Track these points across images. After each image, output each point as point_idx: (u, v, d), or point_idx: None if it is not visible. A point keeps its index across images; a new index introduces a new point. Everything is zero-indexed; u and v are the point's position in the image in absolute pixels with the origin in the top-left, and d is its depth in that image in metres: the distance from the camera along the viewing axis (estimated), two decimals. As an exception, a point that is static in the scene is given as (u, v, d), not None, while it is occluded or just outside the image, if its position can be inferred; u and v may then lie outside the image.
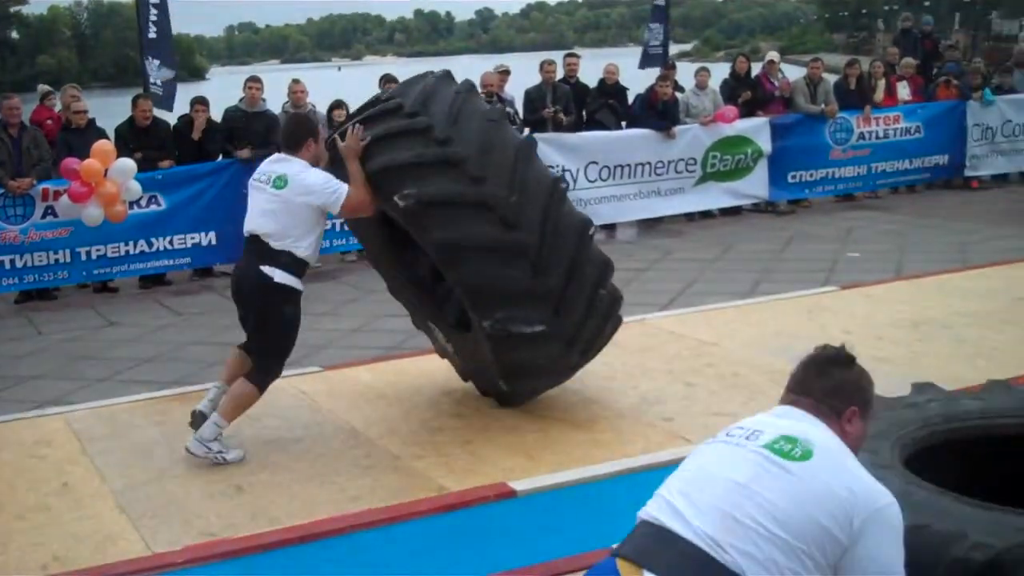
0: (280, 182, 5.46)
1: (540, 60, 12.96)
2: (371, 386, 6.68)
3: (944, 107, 14.31)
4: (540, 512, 4.80)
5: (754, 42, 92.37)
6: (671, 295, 9.28)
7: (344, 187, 5.43)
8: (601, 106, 12.79)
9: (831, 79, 14.31)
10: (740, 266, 10.42)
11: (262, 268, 5.45)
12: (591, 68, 13.87)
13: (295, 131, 5.71)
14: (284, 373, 6.90)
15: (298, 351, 7.86)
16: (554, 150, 11.94)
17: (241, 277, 5.65)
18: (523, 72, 14.36)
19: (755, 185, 13.26)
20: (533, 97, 12.46)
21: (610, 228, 12.69)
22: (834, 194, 14.00)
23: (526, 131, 12.28)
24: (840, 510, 2.46)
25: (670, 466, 5.00)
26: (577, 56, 13.53)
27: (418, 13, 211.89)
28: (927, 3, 72.78)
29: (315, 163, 5.61)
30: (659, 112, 12.62)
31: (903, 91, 14.39)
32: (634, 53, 15.91)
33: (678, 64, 13.61)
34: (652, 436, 5.57)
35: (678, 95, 13.05)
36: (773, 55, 14.66)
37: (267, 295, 5.49)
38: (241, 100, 11.10)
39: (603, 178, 12.30)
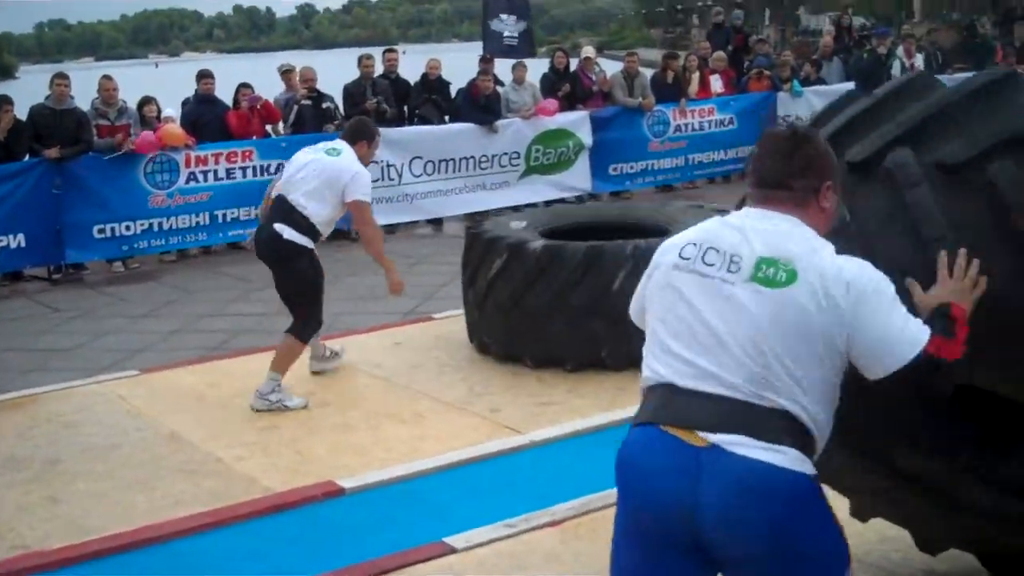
0: (334, 152, 6.15)
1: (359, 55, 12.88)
2: (193, 388, 6.49)
3: (756, 99, 14.82)
4: (369, 509, 4.74)
5: (574, 38, 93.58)
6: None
7: (368, 196, 6.11)
8: (424, 101, 12.76)
9: (648, 73, 14.65)
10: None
11: (275, 226, 6.00)
12: (418, 63, 13.78)
13: (357, 129, 6.43)
14: (100, 378, 6.71)
15: (114, 355, 7.69)
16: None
17: (258, 235, 6.24)
18: (346, 68, 14.18)
19: (578, 177, 13.46)
20: (352, 92, 12.32)
21: (436, 223, 12.68)
22: (654, 185, 14.32)
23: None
24: (835, 318, 2.43)
25: (497, 457, 5.13)
26: (396, 51, 13.47)
27: (237, 9, 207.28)
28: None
29: (363, 163, 6.24)
30: (481, 106, 12.67)
31: (716, 84, 14.85)
32: (458, 48, 16.01)
33: (497, 60, 13.65)
34: (480, 428, 5.58)
35: (499, 89, 13.12)
36: (589, 50, 14.93)
37: (277, 251, 6.03)
38: (48, 98, 10.63)
39: (428, 172, 12.27)
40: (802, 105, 14.90)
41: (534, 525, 4.34)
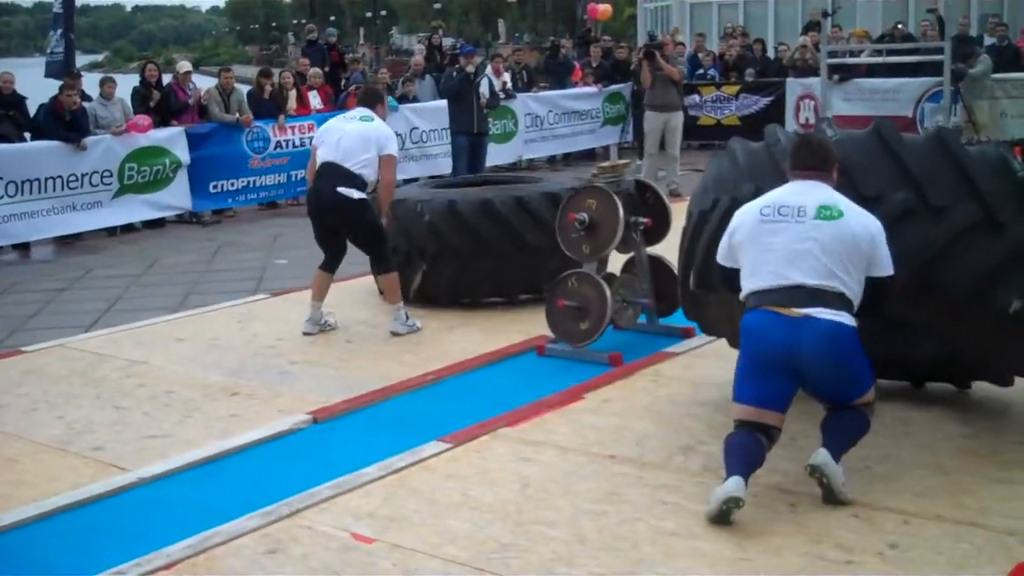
0: (368, 119, 7.32)
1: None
2: None
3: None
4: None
5: (167, 53, 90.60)
6: (95, 315, 8.76)
7: (395, 148, 7.37)
8: (1, 118, 11.79)
9: (244, 89, 14.38)
10: (168, 280, 10.10)
11: (340, 190, 7.08)
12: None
13: (373, 92, 7.97)
14: None
15: None
16: (-51, 165, 10.82)
17: (321, 197, 7.24)
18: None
19: (176, 196, 12.95)
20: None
21: (24, 247, 11.75)
22: (257, 202, 14.06)
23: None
24: (865, 240, 4.30)
25: (105, 498, 4.76)
26: None
27: None
28: (332, 18, 75.92)
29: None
30: (67, 123, 11.88)
31: (315, 100, 14.81)
32: (40, 63, 14.90)
33: (87, 75, 12.90)
34: (82, 469, 5.16)
35: (85, 105, 12.38)
36: (185, 65, 14.46)
37: (351, 210, 7.15)
38: None
39: (11, 194, 11.31)
40: (400, 121, 15.18)
41: (147, 570, 4.04)
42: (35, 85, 13.16)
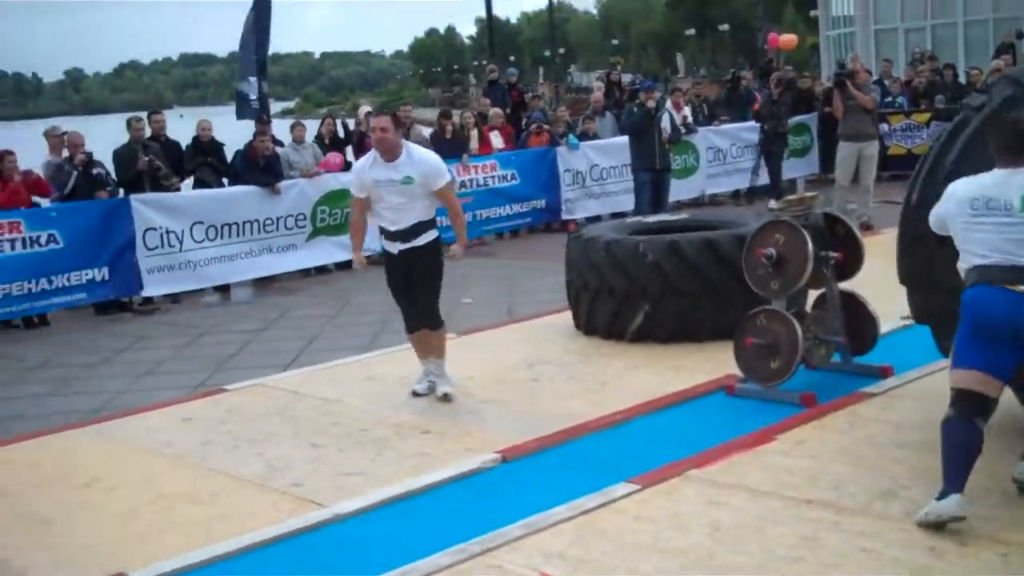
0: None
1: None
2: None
3: (536, 153, 15.07)
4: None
5: (354, 98, 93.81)
6: (292, 354, 9.07)
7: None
8: (200, 164, 12.40)
9: (426, 130, 14.75)
10: (359, 320, 10.38)
11: (423, 238, 7.00)
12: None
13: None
14: None
15: None
16: (154, 210, 11.41)
17: (405, 252, 7.03)
18: (117, 133, 13.65)
19: (366, 238, 13.27)
20: (123, 156, 11.88)
21: (224, 289, 12.28)
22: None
23: (120, 192, 11.71)
24: None
25: (303, 534, 4.91)
26: (162, 113, 13.06)
27: (1, 75, 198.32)
28: (512, 58, 77.18)
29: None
30: (261, 168, 12.39)
31: (496, 140, 15.04)
32: (232, 111, 15.61)
33: (279, 121, 13.48)
34: (281, 504, 5.33)
35: (278, 150, 12.89)
36: (365, 108, 14.89)
37: (435, 251, 7.09)
38: None
39: (211, 238, 11.87)
40: (580, 159, 15.26)
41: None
42: (231, 132, 13.76)
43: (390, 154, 6.77)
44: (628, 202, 14.79)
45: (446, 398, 6.87)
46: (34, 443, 6.62)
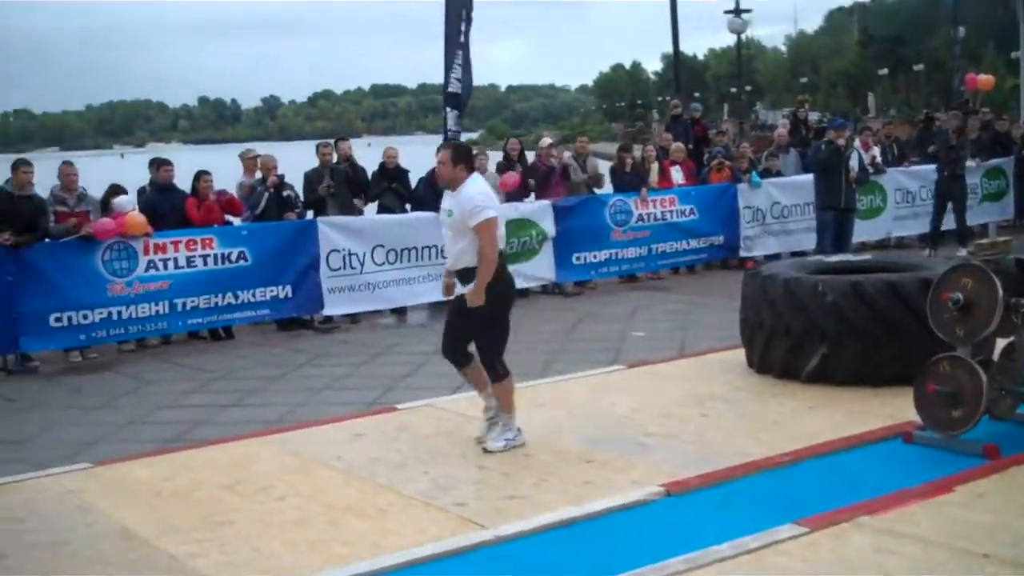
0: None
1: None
2: (147, 482, 6.27)
3: (716, 189, 14.93)
4: (328, 609, 4.54)
5: (537, 131, 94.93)
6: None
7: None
8: (384, 190, 12.76)
9: (604, 164, 14.86)
10: (530, 347, 10.43)
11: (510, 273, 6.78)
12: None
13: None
14: (50, 471, 6.56)
15: (67, 447, 7.47)
16: (338, 233, 11.81)
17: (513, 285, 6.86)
18: (307, 158, 14.19)
19: (542, 267, 13.43)
20: (312, 179, 12.36)
21: (401, 311, 12.57)
22: (618, 275, 14.32)
23: (309, 213, 12.15)
24: None
25: (463, 553, 4.96)
26: (347, 140, 13.46)
27: (203, 101, 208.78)
28: (697, 94, 76.74)
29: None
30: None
31: (677, 175, 14.97)
32: (422, 141, 16.00)
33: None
34: (445, 523, 5.41)
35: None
36: (546, 140, 14.99)
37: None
38: (7, 182, 10.49)
39: (391, 261, 12.20)
40: (761, 196, 15.03)
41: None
42: (417, 159, 14.09)
43: (449, 186, 6.62)
44: (809, 241, 14.50)
45: (485, 451, 6.50)
46: (215, 449, 6.91)
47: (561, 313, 12.40)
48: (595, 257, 13.89)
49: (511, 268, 12.78)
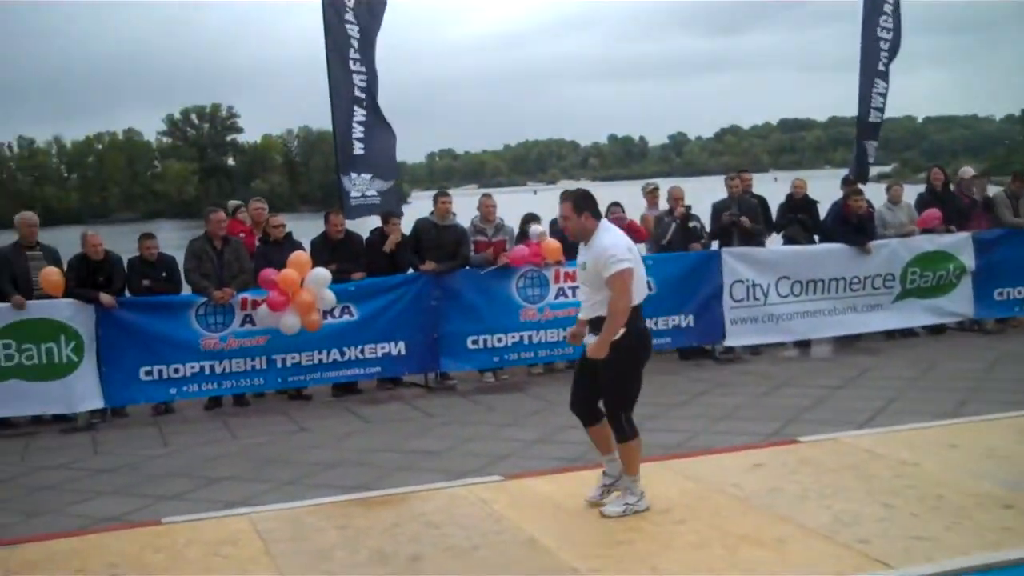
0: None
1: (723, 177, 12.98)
2: (551, 497, 6.54)
3: None
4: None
5: (956, 164, 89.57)
6: (869, 413, 8.84)
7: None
8: (790, 221, 12.55)
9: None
10: (943, 385, 9.87)
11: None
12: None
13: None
14: (465, 481, 6.98)
15: (479, 460, 7.93)
16: (743, 264, 11.75)
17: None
18: (712, 192, 14.28)
19: (959, 302, 12.65)
20: (718, 209, 12.36)
21: (804, 344, 12.30)
22: None
23: (714, 244, 12.17)
24: None
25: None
26: (748, 171, 13.33)
27: (612, 138, 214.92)
28: None
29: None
30: (854, 227, 12.25)
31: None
32: (830, 175, 15.59)
33: (873, 184, 13.21)
34: (846, 559, 5.22)
35: (872, 210, 12.68)
36: (966, 170, 14.05)
37: None
38: (431, 213, 11.33)
39: (795, 293, 11.97)
40: None
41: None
42: (824, 192, 13.74)
43: (580, 238, 6.22)
44: None
45: (603, 516, 6.10)
46: (591, 473, 7.02)
47: (979, 351, 11.61)
48: (1020, 293, 12.88)
49: (924, 302, 12.33)
